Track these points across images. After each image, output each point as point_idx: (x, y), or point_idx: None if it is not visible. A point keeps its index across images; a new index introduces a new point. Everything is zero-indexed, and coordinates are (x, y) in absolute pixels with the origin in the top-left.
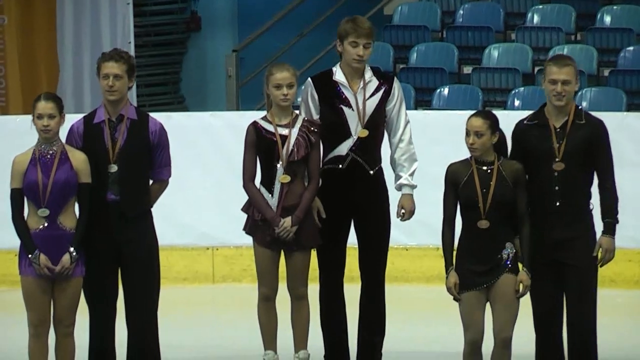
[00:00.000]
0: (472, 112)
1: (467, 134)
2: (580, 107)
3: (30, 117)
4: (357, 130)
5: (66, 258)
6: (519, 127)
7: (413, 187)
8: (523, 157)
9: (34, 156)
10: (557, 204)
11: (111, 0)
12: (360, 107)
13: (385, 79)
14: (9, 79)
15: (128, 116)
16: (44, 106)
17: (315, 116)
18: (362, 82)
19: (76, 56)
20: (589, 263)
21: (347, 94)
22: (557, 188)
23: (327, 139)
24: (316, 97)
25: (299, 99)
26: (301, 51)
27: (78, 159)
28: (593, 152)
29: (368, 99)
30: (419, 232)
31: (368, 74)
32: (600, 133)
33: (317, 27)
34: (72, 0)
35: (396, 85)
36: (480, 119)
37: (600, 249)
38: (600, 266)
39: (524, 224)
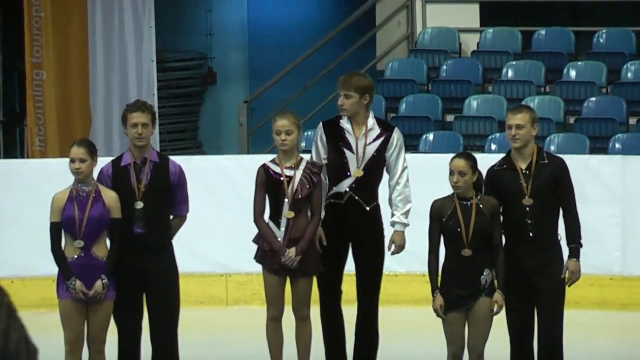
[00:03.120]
0: (454, 154)
1: (451, 173)
2: (541, 148)
3: (67, 160)
4: (354, 170)
5: (98, 284)
6: (490, 173)
7: (405, 225)
8: (497, 197)
9: (71, 194)
10: (531, 234)
11: (137, 57)
12: (360, 151)
13: (386, 128)
14: (47, 127)
15: (151, 159)
16: (76, 151)
17: (324, 156)
18: (364, 129)
19: (106, 106)
20: (559, 286)
21: (350, 139)
22: (529, 221)
23: (331, 177)
24: (324, 139)
25: (303, 143)
26: (305, 102)
27: (110, 197)
28: (557, 187)
29: (369, 144)
30: (407, 260)
31: (371, 122)
32: (562, 170)
33: (319, 81)
34: (103, 56)
35: (396, 134)
36: (462, 160)
37: (567, 271)
38: (569, 286)
39: (499, 252)
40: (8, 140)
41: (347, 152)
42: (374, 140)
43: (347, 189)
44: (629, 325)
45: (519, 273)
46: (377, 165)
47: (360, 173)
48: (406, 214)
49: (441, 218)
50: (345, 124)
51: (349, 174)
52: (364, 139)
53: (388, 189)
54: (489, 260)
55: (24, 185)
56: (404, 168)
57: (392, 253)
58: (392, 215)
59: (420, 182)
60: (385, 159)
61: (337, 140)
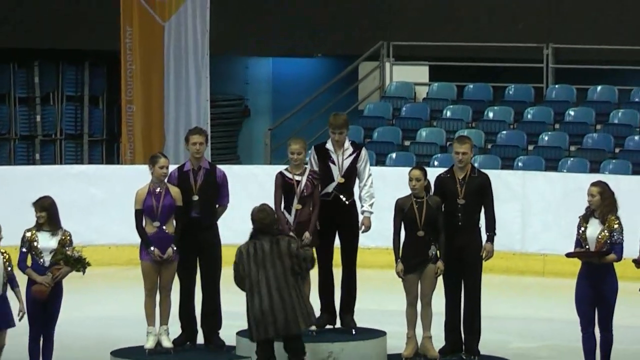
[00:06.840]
0: (411, 167)
1: (410, 180)
2: (474, 166)
3: (146, 166)
4: (337, 177)
5: (169, 251)
6: (438, 178)
7: (371, 212)
8: (441, 196)
9: (149, 190)
10: (460, 223)
11: (197, 97)
12: (340, 164)
13: (357, 147)
14: (135, 143)
15: (204, 167)
16: (164, 161)
17: (316, 168)
18: (342, 149)
19: (175, 130)
20: (479, 260)
21: (333, 156)
22: (460, 214)
23: (322, 182)
24: (316, 157)
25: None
26: (312, 129)
27: (175, 191)
28: (482, 193)
29: (345, 159)
30: (377, 239)
31: (347, 144)
32: (486, 182)
33: (320, 116)
34: (174, 96)
35: (363, 151)
36: (418, 171)
37: (485, 251)
38: (485, 261)
39: (440, 234)
40: (109, 152)
41: (332, 165)
42: (349, 156)
43: (333, 190)
44: (524, 286)
45: (451, 250)
46: (352, 173)
47: (342, 180)
48: (371, 205)
49: (402, 210)
50: (329, 146)
51: (333, 180)
52: (342, 155)
53: (359, 189)
54: (434, 239)
55: (120, 182)
56: (369, 175)
57: (362, 232)
58: (362, 206)
59: (387, 187)
60: (357, 168)
61: (325, 158)
